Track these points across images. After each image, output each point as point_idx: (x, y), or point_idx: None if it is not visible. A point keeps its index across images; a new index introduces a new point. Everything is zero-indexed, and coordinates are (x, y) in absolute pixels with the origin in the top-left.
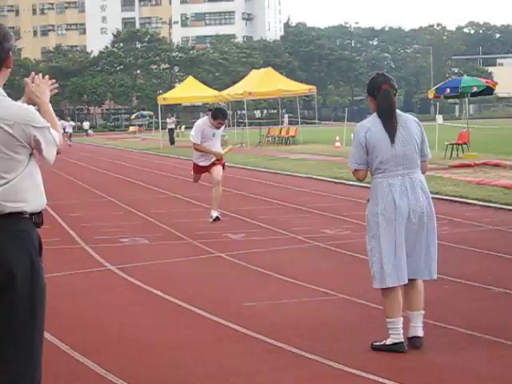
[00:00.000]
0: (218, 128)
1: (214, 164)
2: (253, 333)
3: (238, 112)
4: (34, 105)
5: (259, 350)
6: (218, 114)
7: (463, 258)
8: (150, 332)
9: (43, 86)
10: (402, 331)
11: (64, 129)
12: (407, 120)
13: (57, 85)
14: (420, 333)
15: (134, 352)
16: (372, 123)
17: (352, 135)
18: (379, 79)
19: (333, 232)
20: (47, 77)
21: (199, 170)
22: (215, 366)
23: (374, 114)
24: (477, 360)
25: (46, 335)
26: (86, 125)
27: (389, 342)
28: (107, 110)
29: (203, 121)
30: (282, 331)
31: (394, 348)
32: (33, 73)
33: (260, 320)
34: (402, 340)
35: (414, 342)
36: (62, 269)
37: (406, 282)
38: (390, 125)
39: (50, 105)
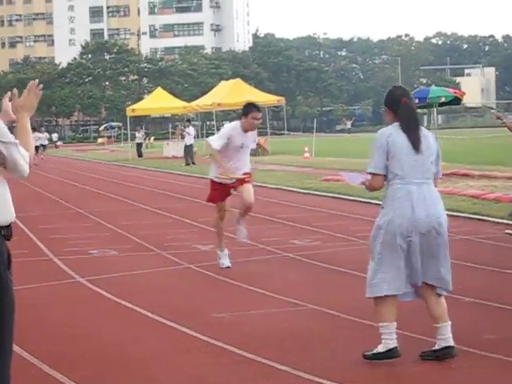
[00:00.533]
0: (251, 129)
1: (242, 181)
2: (222, 343)
3: (207, 123)
4: (10, 121)
5: (228, 361)
6: (251, 107)
7: None
8: (120, 344)
9: (34, 99)
10: (395, 336)
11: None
12: (427, 134)
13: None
14: (452, 342)
15: (103, 364)
16: (394, 131)
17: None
18: (398, 92)
19: (302, 243)
20: (41, 86)
21: (222, 190)
22: (184, 377)
23: (395, 124)
24: (446, 368)
25: (15, 347)
26: (54, 136)
27: (382, 348)
28: (76, 121)
29: (233, 125)
30: (250, 342)
31: (389, 354)
32: (32, 82)
33: (229, 331)
34: (396, 345)
35: (449, 352)
36: (29, 281)
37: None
38: (414, 135)
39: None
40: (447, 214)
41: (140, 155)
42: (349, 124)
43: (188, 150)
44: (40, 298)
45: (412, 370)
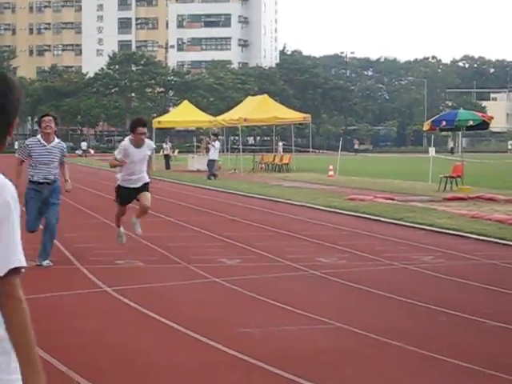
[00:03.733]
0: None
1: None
2: (249, 358)
3: (231, 138)
4: None
5: (256, 376)
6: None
7: (459, 290)
8: (147, 355)
9: None
10: None
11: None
12: None
13: None
14: None
15: (131, 374)
16: None
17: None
18: None
19: (328, 261)
20: None
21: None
22: None
23: None
24: None
25: (44, 355)
26: (83, 145)
27: None
28: (101, 131)
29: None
30: (278, 358)
31: None
32: None
33: (256, 346)
34: None
35: None
36: (58, 289)
37: None
38: None
39: None
40: (473, 238)
41: (168, 167)
42: (357, 145)
43: (211, 164)
44: (68, 306)
45: None
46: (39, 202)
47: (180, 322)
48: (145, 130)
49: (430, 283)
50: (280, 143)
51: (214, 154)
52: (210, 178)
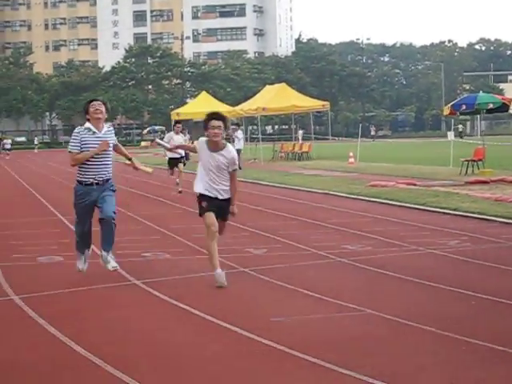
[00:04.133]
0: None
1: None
2: (283, 347)
3: (250, 128)
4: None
5: (291, 366)
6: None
7: (487, 274)
8: (181, 347)
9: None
10: None
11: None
12: None
13: None
14: None
15: (167, 367)
16: None
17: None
18: None
19: (354, 248)
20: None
21: None
22: (249, 381)
23: None
24: (511, 376)
25: (78, 349)
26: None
27: None
28: (119, 124)
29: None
30: (312, 346)
31: None
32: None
33: (289, 335)
34: None
35: None
36: (87, 283)
37: None
38: None
39: None
40: (498, 221)
41: (187, 158)
42: (373, 131)
43: (238, 154)
44: (98, 300)
45: (479, 377)
46: (90, 207)
47: (212, 313)
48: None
49: (458, 267)
50: (300, 131)
51: (238, 144)
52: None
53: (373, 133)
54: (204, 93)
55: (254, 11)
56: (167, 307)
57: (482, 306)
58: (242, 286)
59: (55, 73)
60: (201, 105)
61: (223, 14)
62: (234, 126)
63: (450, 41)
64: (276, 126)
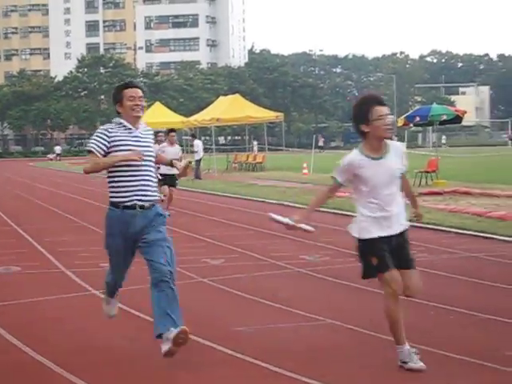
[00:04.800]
0: None
1: None
2: (245, 357)
3: (203, 138)
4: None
5: (255, 374)
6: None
7: (445, 284)
8: (144, 356)
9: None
10: None
11: None
12: None
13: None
14: None
15: (130, 375)
16: None
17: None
18: None
19: (311, 258)
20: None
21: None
22: None
23: None
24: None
25: (40, 358)
26: (57, 149)
27: None
28: (71, 134)
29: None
30: (274, 355)
31: None
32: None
33: (251, 344)
34: None
35: None
36: (45, 293)
37: None
38: None
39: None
40: (453, 232)
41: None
42: (321, 142)
43: (198, 164)
44: (57, 310)
45: None
46: (130, 249)
47: None
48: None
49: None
50: (255, 142)
51: (197, 155)
52: (199, 178)
53: (321, 143)
54: (157, 103)
55: (207, 22)
56: (127, 316)
57: (441, 315)
58: (200, 296)
59: (7, 82)
60: (154, 115)
61: (176, 25)
62: (189, 137)
63: (401, 52)
64: (229, 137)
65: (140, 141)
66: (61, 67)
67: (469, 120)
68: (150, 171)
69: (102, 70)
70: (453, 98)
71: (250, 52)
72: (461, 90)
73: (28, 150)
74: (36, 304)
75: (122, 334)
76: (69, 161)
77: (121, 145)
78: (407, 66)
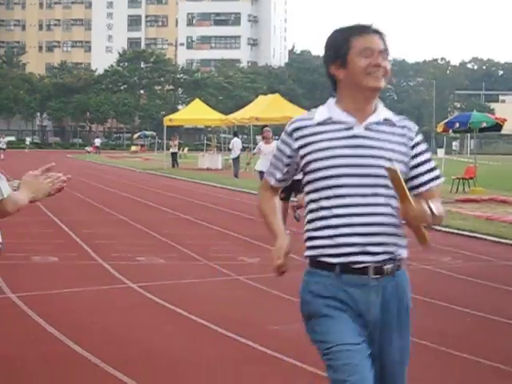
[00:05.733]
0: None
1: None
2: (281, 355)
3: (240, 137)
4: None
5: (293, 373)
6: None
7: (480, 292)
8: (178, 350)
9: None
10: None
11: None
12: None
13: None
14: None
15: (165, 369)
16: None
17: None
18: None
19: None
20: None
21: None
22: None
23: None
24: None
25: (76, 348)
26: (97, 141)
27: None
28: (109, 128)
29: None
30: (310, 355)
31: None
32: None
33: (287, 343)
34: None
35: None
36: (83, 284)
37: None
38: None
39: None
40: (489, 240)
41: (173, 165)
42: None
43: (235, 162)
44: (94, 301)
45: None
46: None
47: (207, 318)
48: None
49: (452, 284)
50: None
51: (234, 153)
52: (236, 176)
53: None
54: (197, 100)
55: (249, 21)
56: (164, 311)
57: (477, 323)
58: (236, 294)
59: (47, 74)
60: (193, 112)
61: (218, 22)
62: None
63: (442, 58)
64: None
65: (364, 146)
66: (102, 60)
67: (508, 128)
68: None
69: (143, 65)
70: (492, 105)
71: (291, 52)
72: (501, 97)
73: (66, 142)
74: (73, 294)
75: (159, 327)
76: (106, 154)
77: (320, 158)
78: (448, 72)
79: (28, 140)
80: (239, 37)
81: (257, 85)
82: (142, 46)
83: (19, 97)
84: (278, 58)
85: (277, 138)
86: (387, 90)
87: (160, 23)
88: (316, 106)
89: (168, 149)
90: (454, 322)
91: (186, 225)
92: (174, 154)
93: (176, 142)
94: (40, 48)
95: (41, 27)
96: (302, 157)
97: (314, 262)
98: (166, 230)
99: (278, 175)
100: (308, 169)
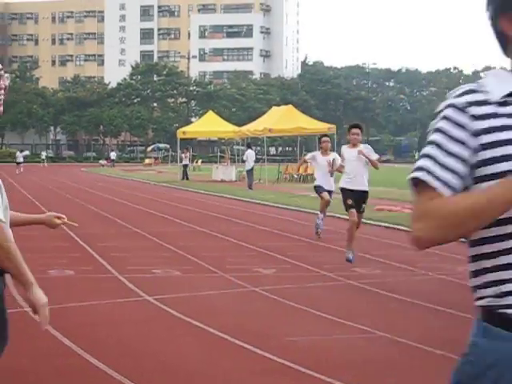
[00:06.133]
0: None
1: None
2: (299, 367)
3: (254, 148)
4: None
5: (309, 383)
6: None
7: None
8: (195, 363)
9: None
10: None
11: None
12: None
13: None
14: None
15: (181, 381)
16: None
17: None
18: None
19: (363, 271)
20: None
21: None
22: None
23: None
24: None
25: (93, 361)
26: (112, 155)
27: None
28: (123, 141)
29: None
30: (327, 366)
31: None
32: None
33: (304, 355)
34: None
35: None
36: (98, 297)
37: None
38: None
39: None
40: None
41: (183, 177)
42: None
43: (249, 174)
44: (110, 315)
45: None
46: None
47: (224, 330)
48: None
49: (467, 293)
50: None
51: (248, 164)
52: (250, 188)
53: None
54: (210, 112)
55: (261, 32)
56: (180, 323)
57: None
58: (253, 305)
59: (61, 88)
60: (207, 124)
61: (230, 35)
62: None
63: (455, 68)
64: (280, 148)
65: None
66: (115, 74)
67: None
68: None
69: (156, 78)
70: None
71: (303, 64)
72: None
73: (80, 155)
74: (89, 308)
75: (175, 340)
76: (120, 167)
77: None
78: (460, 81)
79: (44, 154)
80: (252, 48)
81: (270, 96)
82: (155, 58)
83: (33, 111)
84: (290, 69)
85: (298, 149)
86: (400, 100)
87: (172, 36)
88: (328, 117)
89: (181, 161)
90: (468, 331)
91: (201, 237)
92: (185, 167)
93: (187, 155)
94: (53, 62)
95: (53, 41)
96: (482, 148)
97: (495, 315)
98: (181, 242)
99: (453, 179)
100: (487, 170)
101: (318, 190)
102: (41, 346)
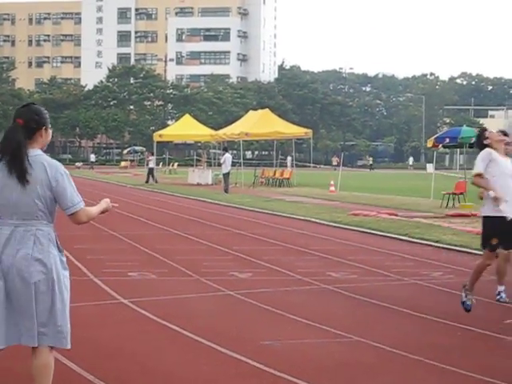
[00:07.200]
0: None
1: None
2: (274, 370)
3: (230, 152)
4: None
5: None
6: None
7: (472, 306)
8: (171, 365)
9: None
10: None
11: None
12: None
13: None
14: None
15: (157, 383)
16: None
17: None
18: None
19: (338, 275)
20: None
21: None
22: None
23: None
24: None
25: (70, 364)
26: (92, 157)
27: None
28: (99, 143)
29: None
30: (303, 370)
31: None
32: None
33: (279, 358)
34: None
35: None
36: (73, 300)
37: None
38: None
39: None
40: (480, 255)
41: (147, 181)
42: (335, 162)
43: (225, 178)
44: (87, 317)
45: None
46: None
47: (200, 334)
48: None
49: (443, 299)
50: (289, 158)
51: (225, 168)
52: (226, 192)
53: (335, 163)
54: (187, 115)
55: (239, 36)
56: (156, 326)
57: (468, 337)
58: (228, 309)
59: (37, 89)
60: (183, 127)
61: (207, 38)
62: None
63: (431, 74)
64: (256, 152)
65: None
66: (91, 76)
67: None
68: None
69: (132, 81)
70: (481, 120)
71: (280, 68)
72: (490, 113)
73: (55, 158)
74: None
75: (151, 343)
76: (97, 169)
77: None
78: (437, 87)
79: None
80: (229, 52)
81: (246, 100)
82: (132, 61)
83: (8, 112)
84: (267, 73)
85: (249, 154)
86: (376, 105)
87: (149, 39)
88: (305, 121)
89: (158, 164)
90: (445, 336)
91: (176, 240)
92: (151, 170)
93: (151, 158)
94: (30, 63)
95: (30, 43)
96: None
97: None
98: (156, 245)
99: None
100: None
101: (492, 231)
102: (15, 347)
